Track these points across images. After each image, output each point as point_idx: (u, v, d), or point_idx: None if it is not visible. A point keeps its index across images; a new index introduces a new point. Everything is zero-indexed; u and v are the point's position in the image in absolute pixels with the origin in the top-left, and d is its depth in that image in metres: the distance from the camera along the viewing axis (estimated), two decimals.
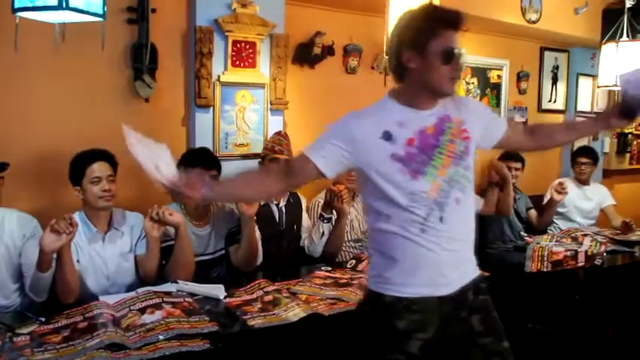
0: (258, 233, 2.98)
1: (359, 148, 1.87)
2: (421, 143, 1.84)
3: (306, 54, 3.80)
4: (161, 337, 2.05)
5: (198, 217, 2.94)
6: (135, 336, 2.06)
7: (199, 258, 2.86)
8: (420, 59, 1.82)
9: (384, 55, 2.88)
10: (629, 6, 4.47)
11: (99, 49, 2.53)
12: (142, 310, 2.25)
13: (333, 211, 3.24)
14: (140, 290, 2.47)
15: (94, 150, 2.65)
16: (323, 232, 3.26)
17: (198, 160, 2.88)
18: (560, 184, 4.47)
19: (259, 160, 3.35)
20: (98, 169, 2.60)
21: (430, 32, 1.81)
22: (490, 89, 5.09)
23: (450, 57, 1.80)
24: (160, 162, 1.89)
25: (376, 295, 1.89)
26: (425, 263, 1.85)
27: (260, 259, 3.01)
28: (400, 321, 1.84)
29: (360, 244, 3.62)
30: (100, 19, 2.22)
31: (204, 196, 1.90)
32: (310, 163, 1.91)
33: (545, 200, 4.59)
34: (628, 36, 4.44)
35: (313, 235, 3.29)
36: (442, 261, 1.87)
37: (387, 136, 1.85)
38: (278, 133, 3.36)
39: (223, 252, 2.99)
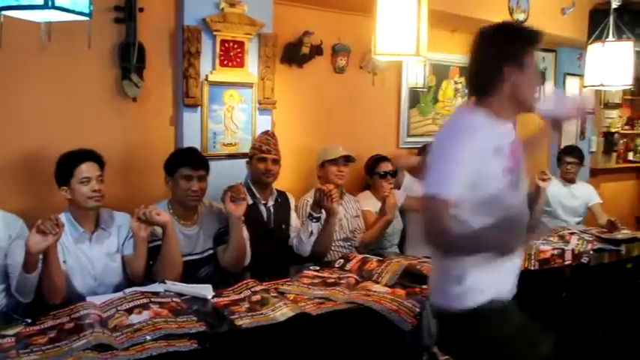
0: (246, 234, 2.98)
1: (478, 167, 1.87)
2: (515, 154, 1.96)
3: (295, 53, 3.80)
4: (148, 337, 2.04)
5: (187, 217, 2.93)
6: (122, 336, 2.05)
7: (187, 258, 2.85)
8: (520, 73, 1.89)
9: (372, 55, 2.88)
10: (615, 7, 4.50)
11: (85, 48, 2.52)
12: (130, 311, 2.24)
13: (322, 211, 3.24)
14: (127, 290, 2.46)
15: (82, 150, 2.64)
16: (312, 232, 3.24)
17: (187, 159, 2.89)
18: (543, 172, 4.53)
19: (247, 159, 3.35)
20: (87, 169, 2.59)
21: (528, 48, 1.92)
22: None
23: (540, 73, 1.92)
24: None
25: None
26: None
27: (248, 260, 3.00)
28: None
29: (349, 243, 3.63)
30: (87, 18, 2.20)
31: None
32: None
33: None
34: (614, 36, 4.48)
35: (302, 234, 3.28)
36: None
37: (498, 151, 1.90)
38: (265, 133, 3.36)
39: (211, 252, 2.97)
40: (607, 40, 4.37)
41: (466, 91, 4.85)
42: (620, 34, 4.71)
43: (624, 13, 5.10)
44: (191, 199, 2.87)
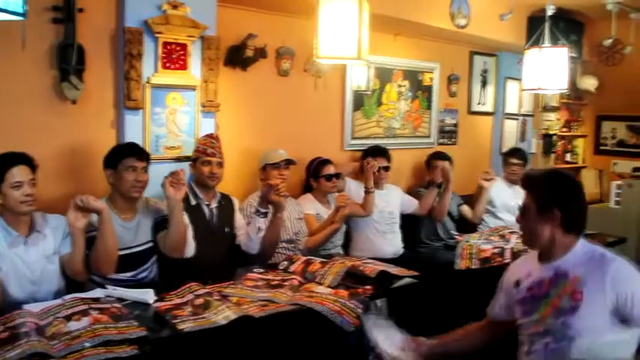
0: (186, 219, 2.99)
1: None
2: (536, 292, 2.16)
3: (238, 56, 3.78)
4: (87, 344, 2.00)
5: (126, 211, 2.94)
6: (59, 344, 2.00)
7: (129, 250, 2.87)
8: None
9: (314, 58, 2.90)
10: (551, 14, 4.66)
11: (20, 49, 2.46)
12: (68, 318, 2.19)
13: (269, 206, 3.26)
14: (67, 297, 2.41)
15: (13, 153, 2.57)
16: (259, 228, 3.26)
17: (131, 151, 2.91)
18: (486, 172, 4.67)
19: (190, 162, 3.32)
20: (19, 173, 2.52)
21: None
22: (421, 92, 5.21)
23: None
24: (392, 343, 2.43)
25: None
26: None
27: (191, 250, 3.01)
28: None
29: (293, 245, 3.64)
30: (20, 17, 2.15)
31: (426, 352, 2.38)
32: None
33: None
34: (550, 42, 4.64)
35: (250, 231, 3.29)
36: None
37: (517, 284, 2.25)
38: (209, 136, 3.34)
39: (152, 244, 2.98)
40: (543, 45, 4.52)
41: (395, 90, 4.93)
42: (555, 40, 4.88)
43: (560, 20, 5.29)
44: (135, 190, 2.89)
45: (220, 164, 3.28)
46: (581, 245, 2.13)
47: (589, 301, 2.00)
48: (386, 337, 2.44)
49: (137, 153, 2.93)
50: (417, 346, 2.37)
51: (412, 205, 4.48)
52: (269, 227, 3.26)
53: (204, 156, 3.24)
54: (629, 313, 1.97)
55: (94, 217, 2.66)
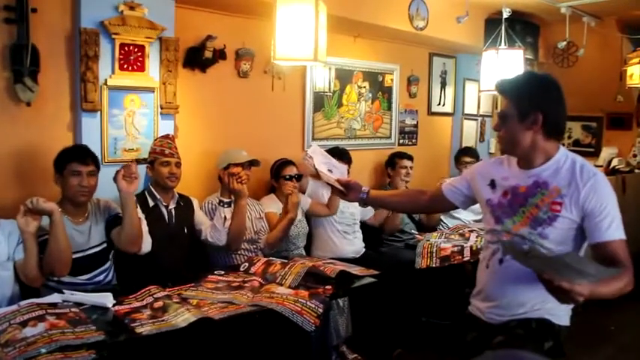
0: (141, 216, 3.00)
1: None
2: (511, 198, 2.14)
3: (197, 58, 3.76)
4: (43, 350, 1.98)
5: (77, 215, 2.90)
6: (14, 351, 1.97)
7: (83, 253, 2.84)
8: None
9: (272, 59, 2.91)
10: (506, 17, 4.76)
11: None
12: (24, 324, 2.16)
13: (232, 196, 3.31)
14: (22, 303, 2.36)
15: None
16: (225, 217, 3.31)
17: (75, 155, 2.85)
18: (442, 179, 4.74)
19: (147, 164, 3.29)
20: None
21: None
22: (382, 93, 5.25)
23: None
24: (332, 168, 2.62)
25: None
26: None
27: (147, 246, 3.00)
28: None
29: (254, 245, 3.64)
30: None
31: (361, 198, 2.54)
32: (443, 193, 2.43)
33: None
34: (506, 44, 4.74)
35: (216, 222, 3.33)
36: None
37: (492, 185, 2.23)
38: (165, 137, 3.32)
39: (106, 245, 2.95)
40: (500, 47, 4.61)
41: (355, 91, 4.96)
42: (512, 43, 4.98)
43: (515, 22, 5.41)
44: (80, 194, 2.84)
45: (178, 164, 3.27)
46: (562, 153, 2.09)
47: (565, 212, 2.01)
48: (326, 162, 2.63)
49: (81, 157, 2.84)
50: (352, 189, 2.54)
51: (368, 213, 4.52)
52: (233, 215, 3.32)
53: (162, 157, 3.22)
54: (588, 226, 2.00)
55: (45, 221, 2.60)
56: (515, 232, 2.09)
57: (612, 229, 1.97)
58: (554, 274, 1.75)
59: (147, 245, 3.00)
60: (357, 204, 4.42)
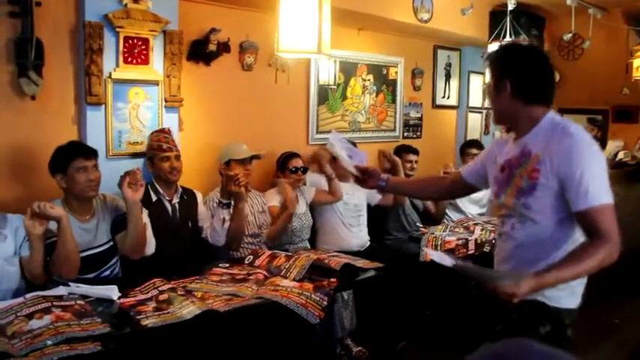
0: (147, 220, 2.98)
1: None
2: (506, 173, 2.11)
3: (201, 51, 3.75)
4: (49, 342, 1.99)
5: (83, 212, 2.88)
6: (20, 343, 1.99)
7: (90, 252, 2.82)
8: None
9: (275, 52, 2.91)
10: (511, 9, 4.74)
11: None
12: (30, 316, 2.17)
13: (231, 198, 3.28)
14: (28, 295, 2.38)
15: None
16: (224, 219, 3.28)
17: (77, 152, 2.83)
18: (446, 165, 4.75)
19: (147, 161, 3.30)
20: None
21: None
22: (386, 86, 5.24)
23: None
24: (352, 154, 2.65)
25: None
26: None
27: (151, 249, 3.00)
28: None
29: (257, 239, 3.65)
30: None
31: (380, 186, 2.54)
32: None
33: None
34: (511, 36, 4.72)
35: (215, 223, 3.30)
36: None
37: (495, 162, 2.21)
38: (161, 131, 3.31)
39: (112, 243, 2.94)
40: (504, 40, 4.59)
41: (360, 84, 4.95)
42: (517, 35, 4.96)
43: (521, 14, 5.38)
44: (90, 189, 2.82)
45: (178, 157, 3.26)
46: (549, 119, 2.02)
47: (543, 179, 1.94)
48: (346, 148, 2.67)
49: (84, 152, 2.83)
50: (370, 176, 2.55)
51: (377, 196, 4.52)
52: (232, 218, 3.29)
53: (161, 152, 3.21)
54: (568, 195, 1.90)
55: (53, 224, 2.59)
56: (507, 204, 2.07)
57: (591, 195, 1.85)
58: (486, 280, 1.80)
59: (150, 248, 3.00)
60: (363, 194, 4.43)
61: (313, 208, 4.15)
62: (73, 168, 2.78)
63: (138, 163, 3.33)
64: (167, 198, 3.28)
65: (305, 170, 4.01)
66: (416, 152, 4.84)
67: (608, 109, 6.63)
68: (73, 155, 2.80)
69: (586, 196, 1.85)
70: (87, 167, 2.80)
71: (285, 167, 3.99)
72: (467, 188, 2.47)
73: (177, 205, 3.30)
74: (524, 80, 2.03)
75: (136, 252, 2.92)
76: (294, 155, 4.03)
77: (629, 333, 4.23)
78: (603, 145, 6.50)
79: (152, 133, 3.33)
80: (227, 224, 3.28)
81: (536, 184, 1.95)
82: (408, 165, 4.77)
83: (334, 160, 4.21)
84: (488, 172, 2.27)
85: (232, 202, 3.28)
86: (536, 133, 2.02)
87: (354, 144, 4.32)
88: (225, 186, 3.22)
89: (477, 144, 5.16)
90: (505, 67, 2.06)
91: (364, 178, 2.57)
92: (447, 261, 1.90)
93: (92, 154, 2.87)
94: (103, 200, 2.99)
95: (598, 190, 1.86)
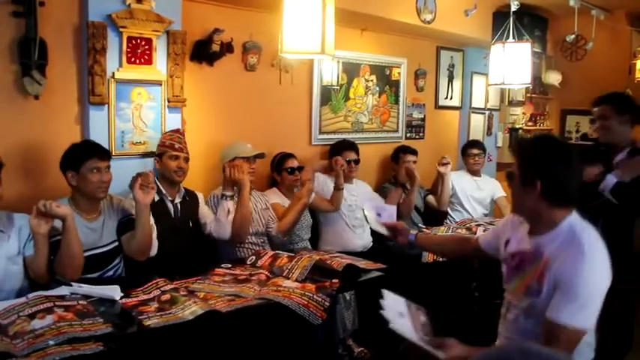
0: (152, 223, 2.98)
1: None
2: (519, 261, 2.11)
3: (205, 51, 3.76)
4: (51, 342, 1.99)
5: (90, 211, 2.88)
6: (22, 343, 1.98)
7: (94, 251, 2.83)
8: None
9: (279, 53, 2.90)
10: (514, 10, 4.73)
11: None
12: (32, 316, 2.17)
13: (235, 188, 3.34)
14: (31, 295, 2.37)
15: None
16: (229, 210, 3.32)
17: (93, 151, 2.83)
18: (442, 157, 4.76)
19: (155, 157, 3.30)
20: None
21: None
22: (389, 86, 5.24)
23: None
24: (381, 211, 2.78)
25: None
26: None
27: (154, 251, 3.00)
28: None
29: (262, 239, 3.65)
30: None
31: (410, 241, 2.64)
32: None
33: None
34: (514, 37, 4.71)
35: (220, 216, 3.32)
36: None
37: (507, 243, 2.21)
38: (176, 131, 3.34)
39: (117, 244, 2.94)
40: (507, 41, 4.58)
41: (363, 84, 4.95)
42: (520, 36, 4.95)
43: (524, 15, 5.38)
44: (101, 191, 2.83)
45: (187, 159, 3.28)
46: (568, 225, 1.98)
47: (547, 284, 1.93)
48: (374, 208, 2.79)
49: (100, 153, 2.84)
50: (400, 233, 2.65)
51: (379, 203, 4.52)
52: (237, 206, 3.34)
53: (171, 150, 3.23)
54: (553, 300, 1.90)
55: (58, 222, 2.59)
56: (516, 295, 2.08)
57: (567, 312, 1.84)
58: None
59: (153, 250, 3.01)
60: (366, 196, 4.43)
61: (314, 209, 4.16)
62: (86, 167, 2.78)
63: (141, 164, 3.34)
64: (169, 198, 3.28)
65: (300, 170, 4.01)
66: (414, 152, 4.83)
67: None
68: (89, 155, 2.80)
69: (563, 310, 1.86)
70: (100, 168, 2.81)
71: (281, 168, 4.00)
72: (487, 256, 2.43)
73: (179, 205, 3.31)
74: (556, 183, 1.98)
75: (141, 254, 2.93)
76: (289, 156, 4.05)
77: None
78: None
79: (166, 132, 3.36)
80: (231, 216, 3.32)
81: (542, 287, 1.95)
82: (408, 165, 4.76)
83: (349, 164, 4.25)
84: (500, 245, 2.27)
85: (235, 194, 3.33)
86: (553, 238, 1.98)
87: (353, 144, 4.35)
88: (229, 175, 3.29)
89: (478, 144, 5.16)
90: (537, 165, 1.99)
91: (394, 234, 2.67)
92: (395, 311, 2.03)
93: (107, 155, 2.88)
94: (110, 200, 2.99)
95: (580, 310, 1.85)
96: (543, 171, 1.96)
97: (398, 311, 2.07)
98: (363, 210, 2.82)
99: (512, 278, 2.12)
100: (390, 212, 2.77)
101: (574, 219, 2.00)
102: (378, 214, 2.73)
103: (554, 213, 1.99)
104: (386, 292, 2.15)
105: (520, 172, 2.03)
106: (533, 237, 2.06)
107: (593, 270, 1.87)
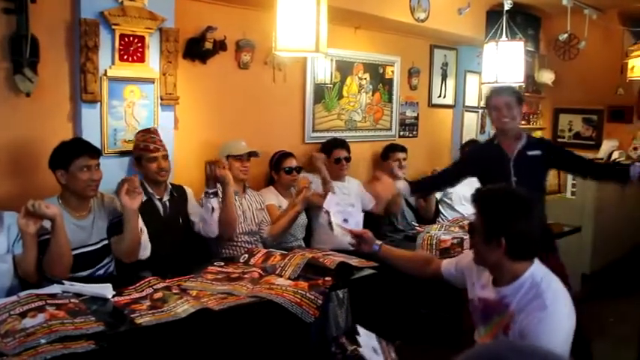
0: (142, 224, 2.95)
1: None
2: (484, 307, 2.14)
3: (198, 49, 3.74)
4: (43, 340, 1.98)
5: (80, 209, 2.86)
6: (13, 341, 1.97)
7: (84, 249, 2.80)
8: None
9: (273, 51, 2.90)
10: (507, 9, 4.74)
11: None
12: (23, 314, 2.16)
13: (217, 185, 3.31)
14: (22, 294, 2.35)
15: None
16: (213, 208, 3.30)
17: (83, 149, 2.80)
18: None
19: (134, 162, 3.28)
20: None
21: None
22: (382, 84, 5.24)
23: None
24: (348, 217, 2.80)
25: None
26: None
27: (147, 252, 2.98)
28: None
29: (255, 237, 3.64)
30: None
31: (373, 250, 2.65)
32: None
33: None
34: (507, 36, 4.72)
35: (204, 215, 3.30)
36: None
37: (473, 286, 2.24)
38: (147, 131, 3.27)
39: (107, 242, 2.92)
40: (500, 39, 4.60)
41: (356, 83, 4.94)
42: (513, 35, 4.97)
43: (517, 14, 5.39)
44: (91, 189, 2.80)
45: (166, 157, 3.24)
46: (530, 275, 2.00)
47: (514, 336, 1.95)
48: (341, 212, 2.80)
49: (90, 151, 2.81)
50: (364, 242, 2.65)
51: (368, 204, 4.51)
52: (222, 204, 3.32)
53: (147, 153, 3.19)
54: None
55: (47, 221, 2.56)
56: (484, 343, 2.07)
57: None
58: None
59: (146, 252, 2.98)
60: (358, 194, 4.43)
61: (308, 207, 4.15)
62: (76, 166, 2.75)
63: (133, 162, 3.32)
64: (157, 197, 3.26)
65: (299, 170, 4.01)
66: (404, 150, 4.83)
67: (603, 109, 6.65)
68: (79, 153, 2.77)
69: None
70: (90, 166, 2.78)
71: (279, 167, 3.99)
72: (445, 282, 2.48)
73: (167, 203, 3.30)
74: (521, 240, 1.99)
75: (129, 256, 2.91)
76: (288, 155, 4.03)
77: (625, 331, 4.24)
78: (598, 145, 6.52)
79: (137, 133, 3.29)
80: (216, 214, 3.29)
81: (509, 337, 1.96)
82: (396, 163, 4.76)
83: (340, 162, 4.23)
84: (464, 282, 2.31)
85: (219, 190, 3.31)
86: (517, 288, 2.00)
87: (344, 142, 4.33)
88: (211, 173, 3.26)
89: (474, 143, 5.15)
90: (502, 224, 1.98)
91: (358, 242, 2.67)
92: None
93: (97, 153, 2.85)
94: (101, 199, 2.97)
95: None
96: (508, 230, 1.97)
97: (372, 346, 2.17)
98: (328, 214, 2.72)
99: (481, 324, 2.15)
100: (357, 219, 2.75)
101: (535, 269, 2.02)
102: (345, 220, 2.71)
103: (516, 266, 2.01)
104: (359, 328, 2.27)
105: (484, 229, 2.03)
106: (496, 287, 2.08)
107: (558, 320, 1.89)
